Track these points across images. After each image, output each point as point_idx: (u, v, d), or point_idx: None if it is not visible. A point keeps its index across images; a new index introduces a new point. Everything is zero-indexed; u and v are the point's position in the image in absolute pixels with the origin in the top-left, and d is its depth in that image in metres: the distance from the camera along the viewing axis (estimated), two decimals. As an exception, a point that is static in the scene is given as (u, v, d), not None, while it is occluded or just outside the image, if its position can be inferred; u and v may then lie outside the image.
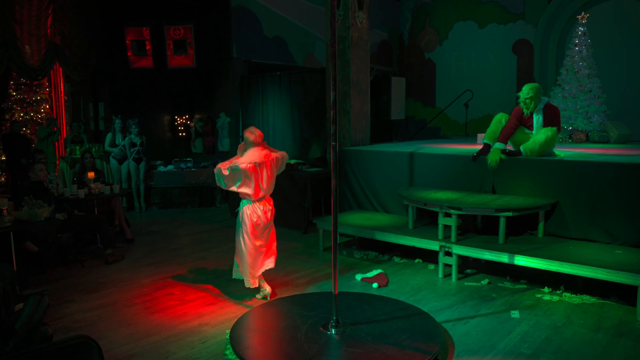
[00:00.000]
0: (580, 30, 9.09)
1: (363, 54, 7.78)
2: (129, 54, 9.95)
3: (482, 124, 11.09)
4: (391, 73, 12.97)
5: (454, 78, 12.68)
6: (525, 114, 5.83)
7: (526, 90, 5.77)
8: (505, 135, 5.90)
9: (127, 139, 9.04)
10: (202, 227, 7.87)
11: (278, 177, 7.67)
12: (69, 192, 6.47)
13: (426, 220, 6.08)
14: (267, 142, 9.91)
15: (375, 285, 5.01)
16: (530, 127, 5.86)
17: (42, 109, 10.22)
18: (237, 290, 4.93)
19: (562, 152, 6.14)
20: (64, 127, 10.52)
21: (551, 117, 5.78)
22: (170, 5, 10.08)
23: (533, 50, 11.48)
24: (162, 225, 8.05)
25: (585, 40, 9.06)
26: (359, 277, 5.25)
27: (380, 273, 5.25)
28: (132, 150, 9.03)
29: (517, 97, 5.89)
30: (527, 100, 5.75)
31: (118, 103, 10.10)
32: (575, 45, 9.11)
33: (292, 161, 8.12)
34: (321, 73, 8.68)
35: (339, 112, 7.59)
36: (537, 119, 5.79)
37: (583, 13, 9.17)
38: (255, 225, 4.53)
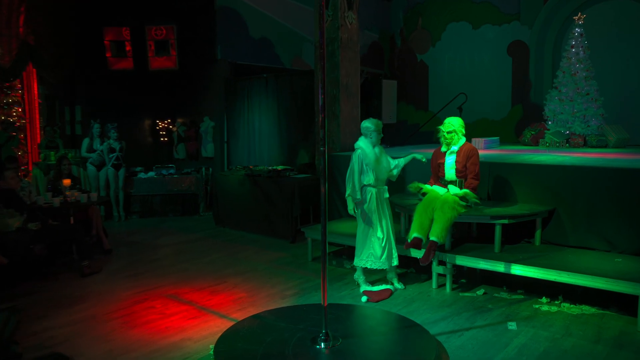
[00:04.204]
0: (577, 32, 9.21)
1: (353, 55, 7.81)
2: (107, 55, 9.88)
3: (476, 129, 11.16)
4: (382, 76, 13.01)
5: (447, 81, 12.75)
6: (443, 150, 5.43)
7: (447, 123, 5.35)
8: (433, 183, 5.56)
9: (105, 144, 8.96)
10: (184, 237, 7.82)
11: (264, 184, 7.73)
12: (42, 200, 6.39)
13: (419, 228, 6.07)
14: (254, 147, 10.02)
15: (364, 298, 4.99)
16: (442, 170, 5.43)
17: (14, 112, 10.10)
18: (221, 303, 4.91)
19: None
20: (38, 132, 10.40)
21: (470, 163, 5.26)
22: (152, 4, 10.04)
23: (528, 51, 11.58)
24: (142, 235, 7.99)
25: (582, 41, 9.17)
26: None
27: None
28: (110, 156, 8.96)
29: (437, 132, 5.44)
30: (447, 135, 5.33)
31: (96, 106, 10.00)
32: (572, 46, 9.22)
33: (279, 167, 8.10)
34: (309, 75, 8.69)
35: (328, 116, 7.61)
36: (448, 159, 5.37)
37: (580, 14, 9.29)
38: None
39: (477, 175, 5.31)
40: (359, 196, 5.10)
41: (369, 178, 5.10)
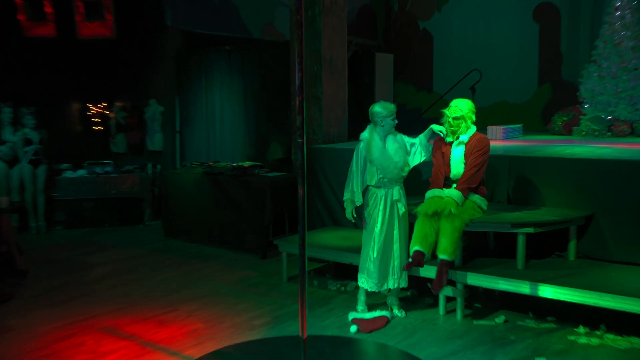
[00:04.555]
0: (623, -11, 9.24)
1: (338, 22, 7.81)
2: (20, 18, 9.69)
3: (493, 114, 11.20)
4: (375, 48, 13.04)
5: (456, 54, 12.80)
6: (448, 141, 5.32)
7: (455, 106, 5.26)
8: (437, 183, 5.35)
9: (19, 134, 8.93)
10: (125, 253, 7.81)
11: (227, 184, 7.68)
12: (-64, 207, 6.29)
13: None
14: (214, 138, 9.97)
15: (354, 328, 4.98)
16: (447, 164, 5.32)
17: None
18: (172, 337, 4.86)
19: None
20: None
21: (474, 152, 5.18)
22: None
23: (560, 16, 11.64)
24: (69, 252, 7.93)
25: (629, 2, 9.17)
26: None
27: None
28: (26, 149, 8.93)
29: (442, 116, 5.35)
30: (453, 121, 5.21)
31: (6, 85, 9.84)
32: (616, 9, 9.21)
33: (247, 163, 8.11)
34: (284, 48, 8.67)
35: (308, 99, 7.60)
36: (455, 152, 5.27)
37: (627, -34, 9.32)
38: None
39: (476, 168, 5.16)
40: (359, 199, 5.11)
41: (372, 177, 5.10)
